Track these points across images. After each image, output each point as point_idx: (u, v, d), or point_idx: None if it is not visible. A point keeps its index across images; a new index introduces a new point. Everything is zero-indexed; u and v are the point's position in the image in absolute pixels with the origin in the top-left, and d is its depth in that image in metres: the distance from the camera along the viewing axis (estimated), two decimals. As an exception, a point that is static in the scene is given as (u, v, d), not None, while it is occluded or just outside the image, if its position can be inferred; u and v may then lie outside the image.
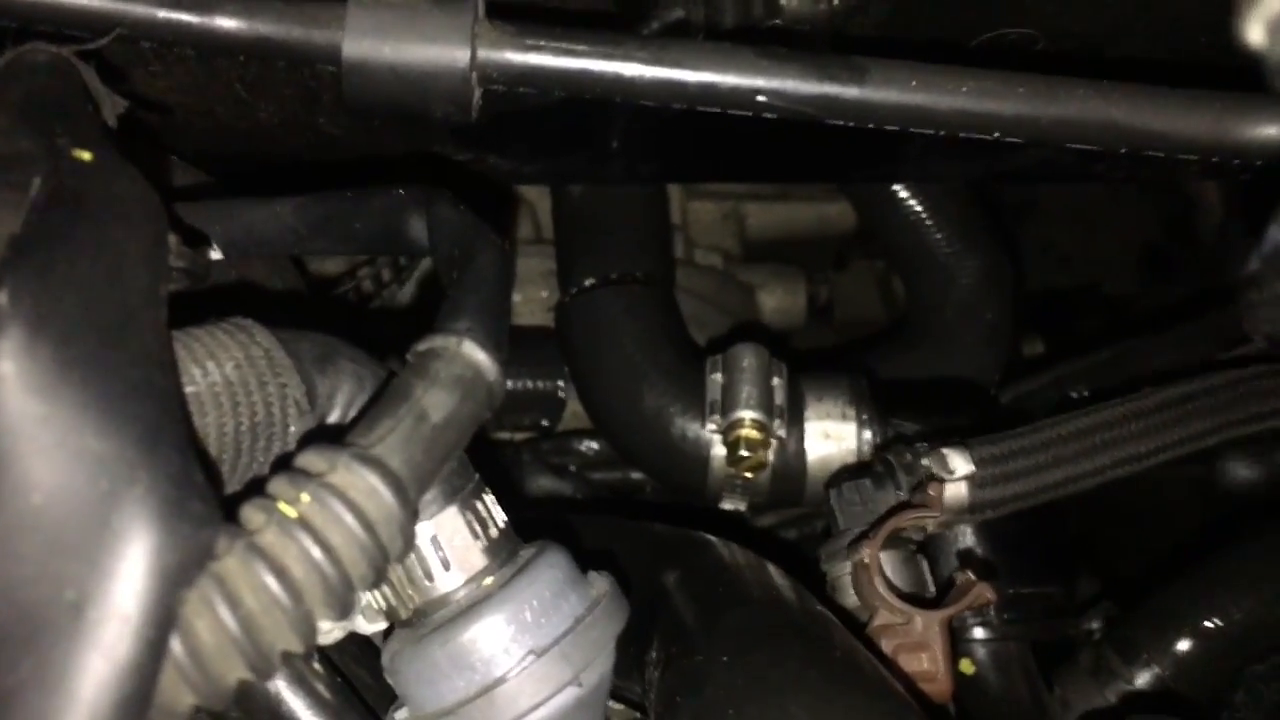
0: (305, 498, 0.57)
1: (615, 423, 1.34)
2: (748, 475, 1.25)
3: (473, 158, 1.15)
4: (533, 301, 1.61)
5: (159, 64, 0.95)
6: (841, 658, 0.72)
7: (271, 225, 0.82)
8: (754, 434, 1.23)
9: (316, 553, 0.56)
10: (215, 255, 0.83)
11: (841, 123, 0.81)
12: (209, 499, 0.51)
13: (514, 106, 1.07)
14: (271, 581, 0.55)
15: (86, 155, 0.57)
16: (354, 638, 0.81)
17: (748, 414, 1.23)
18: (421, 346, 0.66)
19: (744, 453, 1.23)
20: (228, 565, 0.54)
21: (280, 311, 0.74)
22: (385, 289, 1.36)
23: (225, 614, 0.53)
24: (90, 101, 0.65)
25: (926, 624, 0.88)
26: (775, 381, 1.26)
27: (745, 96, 0.79)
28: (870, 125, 0.81)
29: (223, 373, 0.65)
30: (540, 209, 1.68)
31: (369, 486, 0.58)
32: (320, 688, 0.74)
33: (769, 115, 0.80)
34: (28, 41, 0.67)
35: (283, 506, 0.56)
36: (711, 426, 1.25)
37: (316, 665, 0.75)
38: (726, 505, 1.31)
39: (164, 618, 0.49)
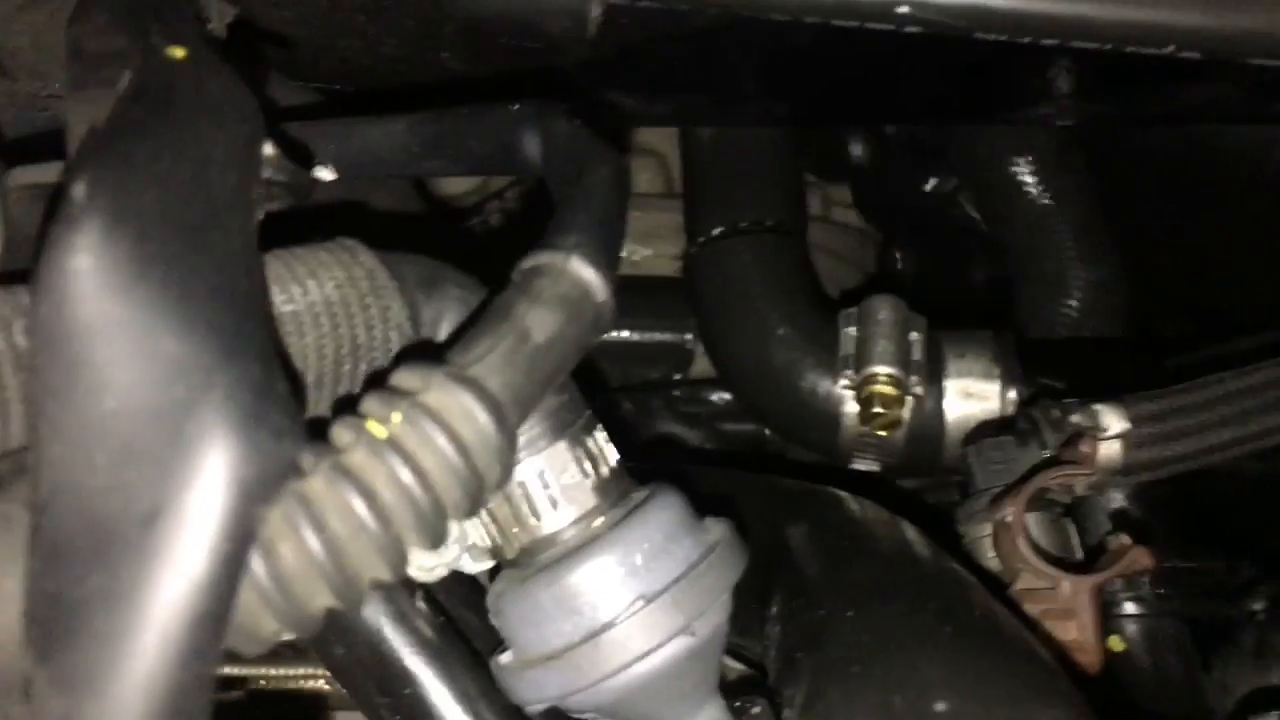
0: (396, 417, 0.53)
1: (743, 377, 1.29)
2: (881, 434, 1.19)
3: (597, 96, 1.11)
4: (663, 257, 1.56)
5: (283, -9, 0.93)
6: (981, 615, 0.66)
7: (385, 144, 0.79)
8: (888, 390, 1.16)
9: (406, 476, 0.52)
10: (328, 176, 0.80)
11: (992, 37, 0.74)
12: (292, 412, 0.48)
13: (639, 35, 1.02)
14: (358, 504, 0.51)
15: (180, 53, 0.54)
16: (461, 578, 0.78)
17: (882, 369, 1.17)
18: (526, 264, 0.61)
19: (877, 410, 1.17)
20: (313, 485, 0.51)
21: (395, 236, 0.71)
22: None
23: (309, 536, 0.50)
24: (192, 4, 0.62)
25: (1075, 590, 0.81)
26: (913, 336, 1.20)
27: (886, 8, 0.73)
28: (1025, 39, 0.73)
29: (323, 292, 0.62)
30: (671, 161, 1.63)
31: (464, 408, 0.54)
32: (423, 626, 0.71)
33: (911, 29, 0.73)
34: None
35: (372, 426, 0.53)
36: (844, 382, 1.19)
37: (420, 603, 0.72)
38: (858, 466, 1.25)
39: (241, 533, 0.46)
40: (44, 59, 0.66)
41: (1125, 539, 0.83)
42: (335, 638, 0.70)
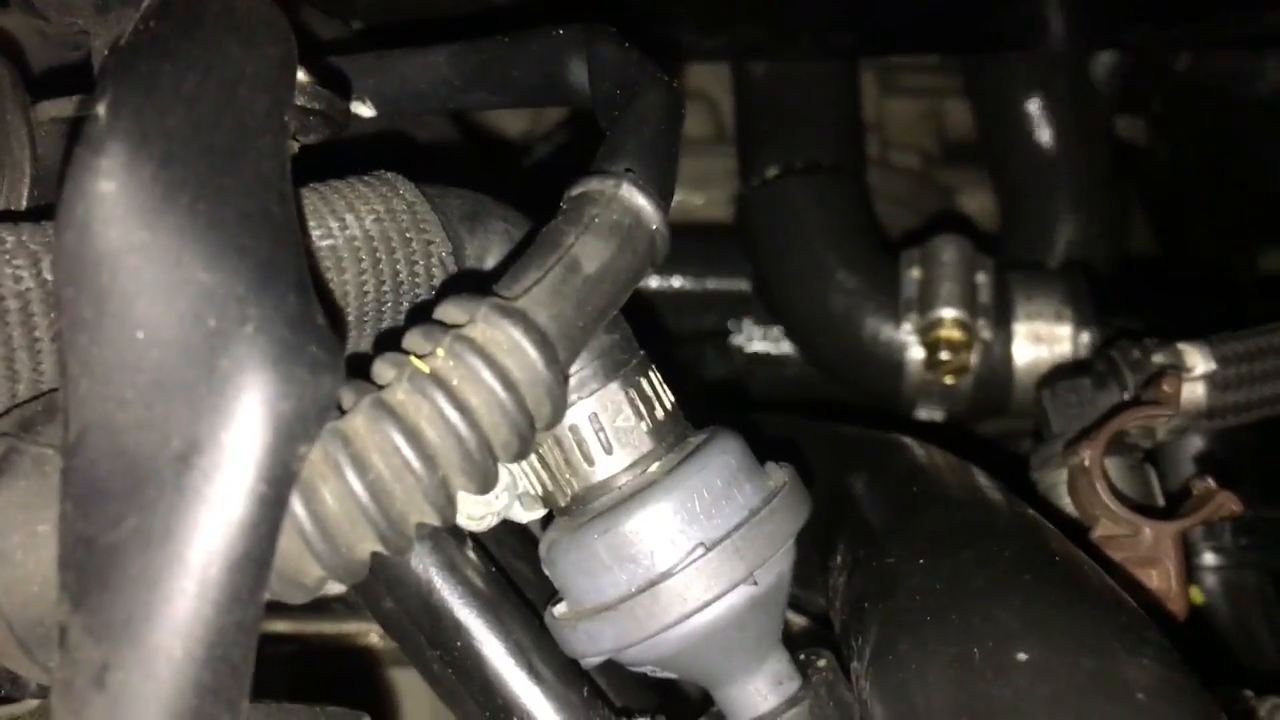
0: (440, 352, 0.51)
1: (801, 323, 1.25)
2: (948, 380, 1.15)
3: (647, 29, 1.06)
4: (716, 205, 1.52)
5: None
6: (1060, 561, 0.62)
7: (425, 77, 0.76)
8: (956, 334, 1.12)
9: (452, 413, 0.49)
10: (367, 111, 0.77)
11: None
12: (330, 345, 0.45)
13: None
14: (402, 443, 0.48)
15: (208, -29, 0.51)
16: (512, 528, 0.76)
17: (949, 312, 1.13)
18: (575, 190, 0.58)
19: (944, 355, 1.13)
20: (354, 424, 0.48)
21: (440, 172, 0.68)
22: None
23: (352, 478, 0.48)
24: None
25: (1158, 536, 0.77)
26: (980, 278, 1.15)
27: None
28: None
29: (362, 226, 0.59)
30: (723, 105, 1.58)
31: (511, 341, 0.51)
32: (474, 577, 0.68)
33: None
34: None
35: (415, 361, 0.50)
36: (907, 327, 1.15)
37: (471, 553, 0.69)
38: (923, 414, 1.21)
39: (280, 473, 0.44)
40: (72, -6, 0.64)
41: (1210, 482, 0.78)
42: (384, 590, 0.68)
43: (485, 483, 0.51)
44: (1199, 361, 0.84)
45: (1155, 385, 0.82)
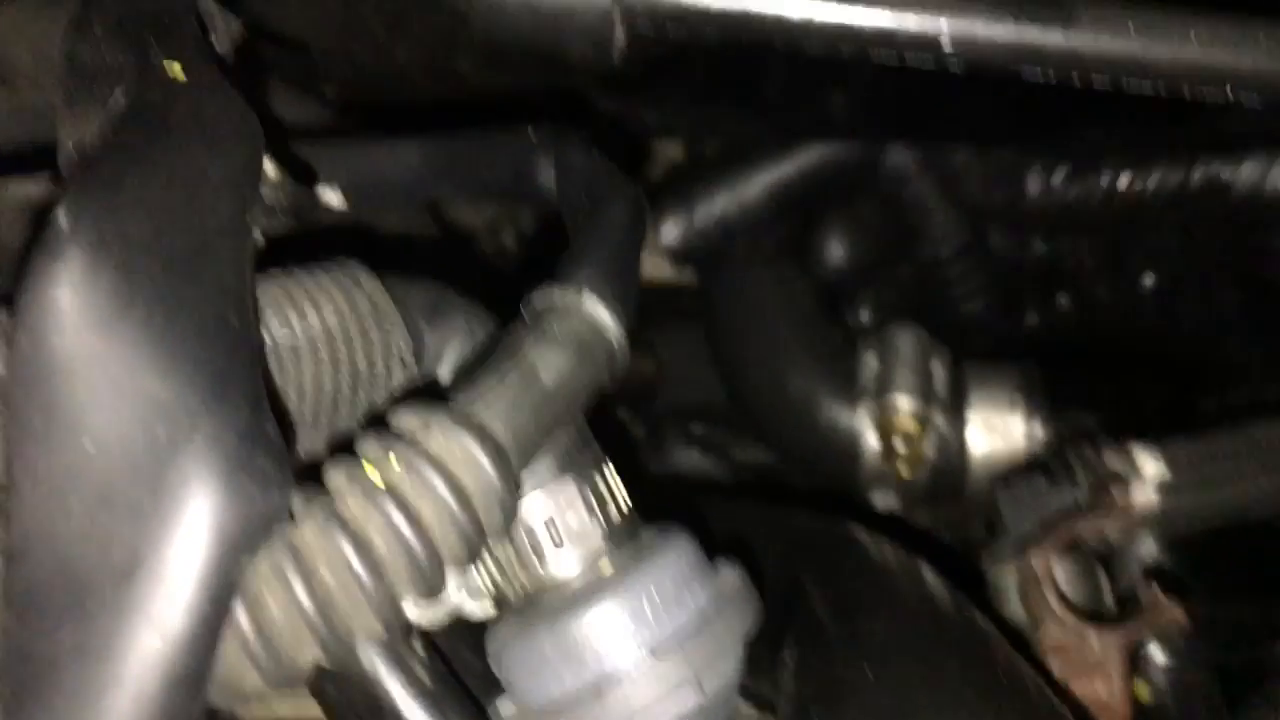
0: (393, 460, 0.50)
1: (758, 405, 1.25)
2: (902, 468, 1.15)
3: (621, 108, 1.08)
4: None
5: (295, -1, 0.90)
6: (1004, 677, 0.63)
7: (395, 168, 0.76)
8: (909, 423, 1.13)
9: (403, 525, 0.49)
10: (336, 200, 0.77)
11: (1040, 76, 0.70)
12: (280, 457, 0.45)
13: (664, 56, 0.99)
14: (351, 555, 0.48)
15: (177, 71, 0.51)
16: (464, 621, 0.75)
17: (903, 400, 1.14)
18: (536, 299, 0.59)
19: (899, 445, 1.14)
20: (303, 533, 0.48)
21: (404, 260, 0.68)
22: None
23: (299, 589, 0.47)
24: (197, 21, 0.59)
25: (1104, 644, 0.77)
26: (935, 366, 1.16)
27: (928, 42, 0.69)
28: (1075, 79, 0.70)
29: (322, 320, 0.59)
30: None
31: (466, 452, 0.51)
32: (420, 672, 0.67)
33: (954, 65, 0.70)
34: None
35: (368, 469, 0.50)
36: (863, 414, 1.16)
37: (417, 646, 0.69)
38: (878, 500, 1.22)
39: (222, 588, 0.43)
40: (44, 70, 0.64)
41: (1157, 591, 0.79)
42: (327, 679, 0.67)
43: (432, 592, 0.51)
44: (1150, 465, 0.85)
45: (1107, 493, 0.83)
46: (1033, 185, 1.24)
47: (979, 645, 0.67)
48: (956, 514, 1.32)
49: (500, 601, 0.67)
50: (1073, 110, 0.84)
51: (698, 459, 1.39)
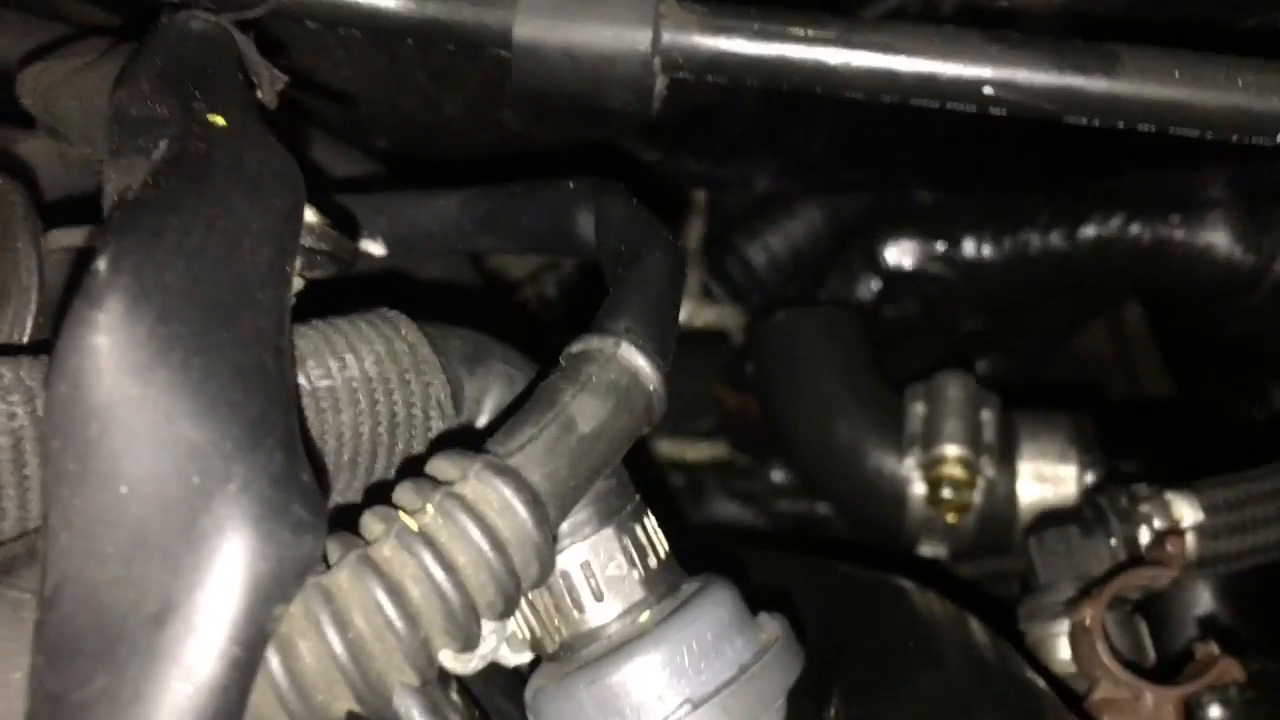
0: (430, 509, 0.50)
1: (805, 453, 1.24)
2: (950, 518, 1.13)
3: (662, 157, 1.08)
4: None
5: (342, 51, 0.92)
6: (1054, 737, 0.61)
7: (436, 220, 0.77)
8: (958, 472, 1.12)
9: (438, 573, 0.49)
10: (378, 250, 0.78)
11: (1084, 121, 0.69)
12: (314, 504, 0.45)
13: (705, 100, 1.00)
14: (386, 602, 0.48)
15: (219, 121, 0.52)
16: (501, 668, 0.74)
17: (952, 449, 1.12)
18: (575, 348, 0.58)
19: (947, 493, 1.12)
20: (338, 580, 0.48)
21: (445, 308, 0.68)
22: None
23: (332, 635, 0.47)
24: (240, 71, 0.60)
25: (1159, 702, 0.75)
26: (985, 415, 1.15)
27: (970, 88, 0.68)
28: (1120, 124, 0.69)
29: (361, 367, 0.59)
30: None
31: (503, 500, 0.51)
32: (457, 721, 0.67)
33: (997, 111, 0.69)
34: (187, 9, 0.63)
35: (404, 517, 0.50)
36: (911, 462, 1.15)
37: (455, 695, 0.68)
38: (925, 550, 1.20)
39: (254, 636, 0.43)
40: (93, 124, 0.65)
41: (1214, 648, 0.77)
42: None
43: (469, 643, 0.50)
44: (1187, 511, 0.84)
45: (1159, 545, 0.81)
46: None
47: (1030, 702, 0.65)
48: (1010, 568, 1.29)
49: (538, 650, 0.66)
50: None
51: (738, 510, 1.38)
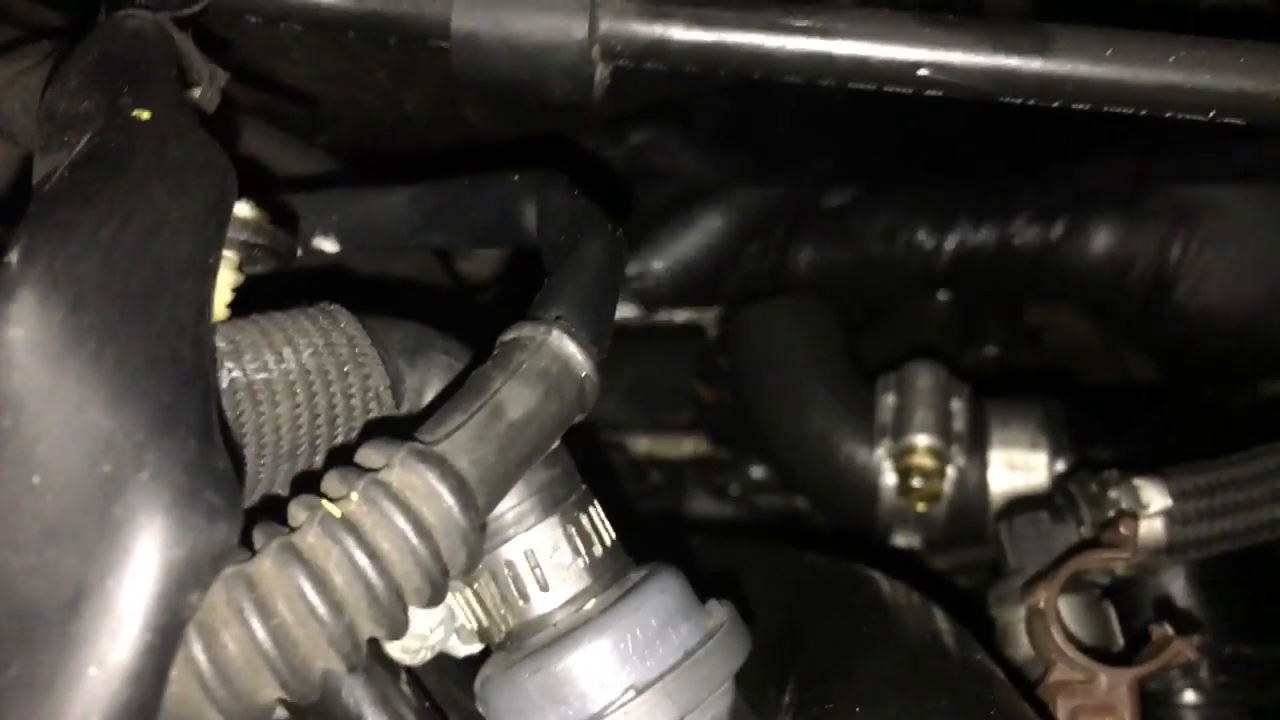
0: (354, 496, 0.50)
1: (779, 445, 1.24)
2: (921, 507, 1.14)
3: (627, 153, 1.08)
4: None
5: (300, 50, 0.92)
6: (997, 716, 0.61)
7: (387, 215, 0.77)
8: (928, 461, 1.12)
9: (362, 559, 0.49)
10: (330, 247, 0.79)
11: (1019, 101, 0.70)
12: (229, 491, 0.45)
13: (660, 95, 1.00)
14: (308, 589, 0.48)
15: (145, 115, 0.52)
16: (456, 660, 0.75)
17: (922, 439, 1.12)
18: (507, 336, 0.59)
19: (916, 482, 1.12)
20: (261, 568, 0.48)
21: (406, 305, 0.68)
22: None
23: (255, 623, 0.47)
24: (174, 68, 0.61)
25: (1112, 683, 0.75)
26: (955, 404, 1.15)
27: (905, 71, 0.69)
28: (1055, 104, 0.69)
29: (299, 359, 0.60)
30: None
31: (428, 487, 0.51)
32: (406, 713, 0.67)
33: (933, 93, 0.70)
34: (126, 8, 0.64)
35: (328, 505, 0.50)
36: (881, 452, 1.15)
37: (405, 687, 0.68)
38: (899, 540, 1.20)
39: (169, 622, 0.43)
40: (34, 124, 0.65)
41: (1168, 629, 0.77)
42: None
43: (395, 629, 0.51)
44: (1155, 497, 0.84)
45: (1112, 527, 0.81)
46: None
47: (975, 684, 0.65)
48: (986, 557, 1.29)
49: (487, 641, 0.66)
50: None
51: (717, 506, 1.38)
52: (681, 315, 1.45)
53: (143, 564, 0.43)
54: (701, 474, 1.41)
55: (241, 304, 0.64)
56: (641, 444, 1.42)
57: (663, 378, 1.40)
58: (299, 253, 0.74)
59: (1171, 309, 1.17)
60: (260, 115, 0.94)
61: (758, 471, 1.39)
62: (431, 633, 0.66)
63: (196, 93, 0.65)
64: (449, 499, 0.51)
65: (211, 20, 0.69)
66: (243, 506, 0.46)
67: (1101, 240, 1.18)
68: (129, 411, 0.43)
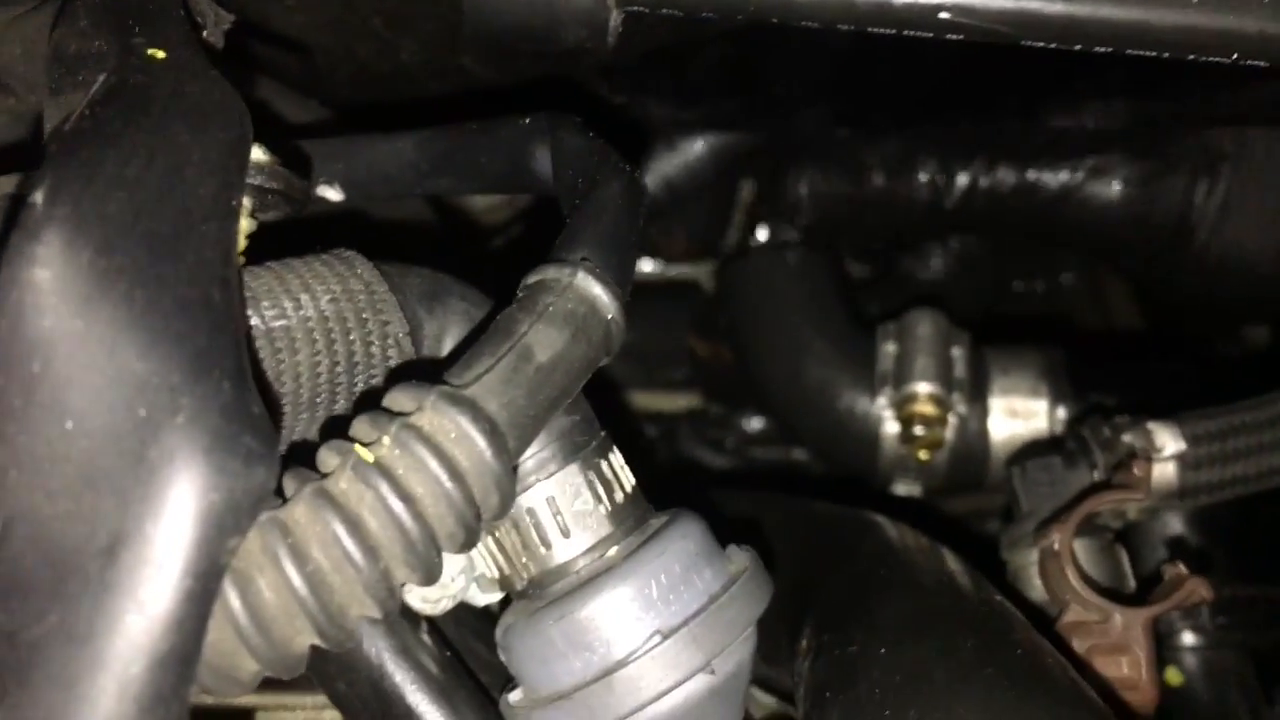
0: (386, 441, 0.50)
1: (778, 396, 1.24)
2: (922, 455, 1.14)
3: (627, 101, 1.07)
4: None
5: (293, -1, 0.90)
6: (1023, 655, 0.61)
7: (393, 162, 0.76)
8: (929, 409, 1.12)
9: (395, 503, 0.49)
10: (335, 195, 0.77)
11: (1041, 44, 0.69)
12: (265, 434, 0.44)
13: (666, 40, 0.98)
14: (343, 534, 0.47)
15: (159, 55, 0.51)
16: (474, 608, 0.74)
17: (923, 387, 1.13)
18: (531, 279, 0.58)
19: (918, 430, 1.12)
20: (294, 514, 0.47)
21: (406, 246, 0.67)
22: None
23: (290, 569, 0.47)
24: (182, 8, 0.59)
25: (1127, 623, 0.75)
26: (955, 352, 1.15)
27: (926, 14, 0.68)
28: (1078, 47, 0.69)
29: (317, 306, 0.59)
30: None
31: (459, 430, 0.51)
32: (428, 662, 0.67)
33: (954, 36, 0.69)
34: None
35: (360, 450, 0.49)
36: (882, 401, 1.15)
37: (425, 637, 0.68)
38: (900, 489, 1.20)
39: (208, 567, 0.43)
40: (37, 70, 0.63)
41: (1181, 568, 0.77)
42: (336, 672, 0.66)
43: (429, 574, 0.50)
44: (1169, 441, 0.84)
45: (1125, 469, 0.81)
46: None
47: (998, 623, 0.65)
48: (988, 505, 1.30)
49: (507, 589, 0.66)
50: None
51: (713, 459, 1.38)
52: (676, 269, 1.44)
53: (181, 509, 0.42)
54: (697, 428, 1.40)
55: (254, 252, 0.63)
56: (637, 398, 1.41)
57: (658, 333, 1.39)
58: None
59: (1192, 256, 1.16)
60: (256, 66, 0.92)
61: (753, 424, 1.38)
62: (453, 581, 0.66)
63: (204, 34, 0.63)
64: (481, 442, 0.51)
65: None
66: (279, 451, 0.45)
67: (1122, 183, 1.16)
68: (162, 355, 0.42)
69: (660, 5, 0.70)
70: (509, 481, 0.52)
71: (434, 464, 0.49)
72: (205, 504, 0.42)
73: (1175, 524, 0.97)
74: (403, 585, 0.50)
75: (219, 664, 0.46)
